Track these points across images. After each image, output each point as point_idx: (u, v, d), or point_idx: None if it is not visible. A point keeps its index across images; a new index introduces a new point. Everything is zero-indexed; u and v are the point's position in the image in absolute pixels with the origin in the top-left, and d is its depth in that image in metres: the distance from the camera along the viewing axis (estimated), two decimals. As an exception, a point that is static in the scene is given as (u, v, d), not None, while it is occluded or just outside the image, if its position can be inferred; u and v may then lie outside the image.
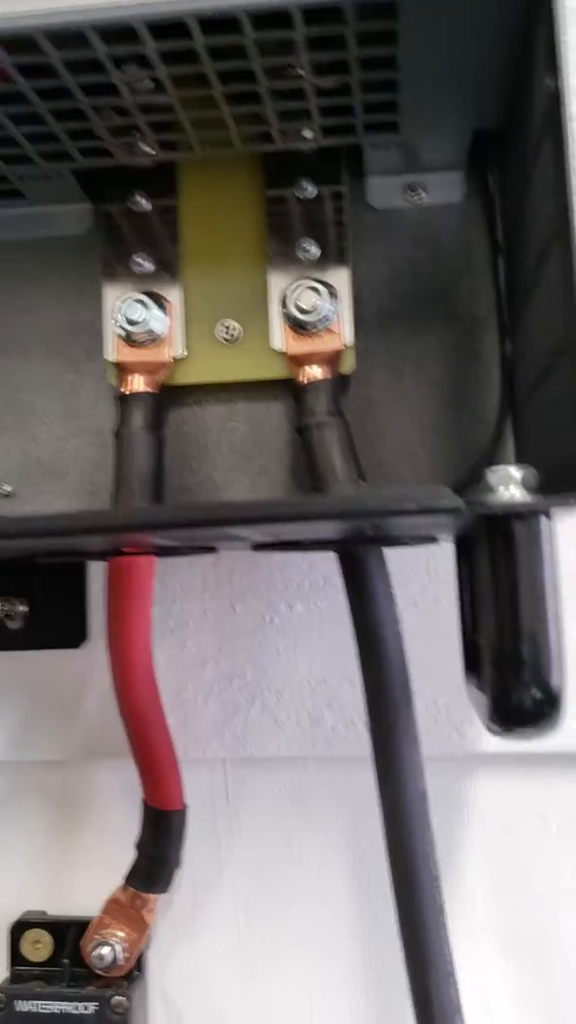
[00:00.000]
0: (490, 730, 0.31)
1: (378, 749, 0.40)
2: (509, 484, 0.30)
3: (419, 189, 0.44)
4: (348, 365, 0.43)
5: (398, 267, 0.44)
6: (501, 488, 0.30)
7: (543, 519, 0.29)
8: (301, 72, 0.35)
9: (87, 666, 0.49)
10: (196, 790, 0.49)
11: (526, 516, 0.29)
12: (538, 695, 0.30)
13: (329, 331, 0.43)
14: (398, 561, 0.43)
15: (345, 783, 0.49)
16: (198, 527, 0.30)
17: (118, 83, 0.35)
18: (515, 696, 0.30)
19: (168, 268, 0.44)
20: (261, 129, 0.40)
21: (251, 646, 0.49)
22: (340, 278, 0.43)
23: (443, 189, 0.44)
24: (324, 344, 0.43)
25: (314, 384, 0.42)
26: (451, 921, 0.47)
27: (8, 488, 0.45)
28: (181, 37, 0.33)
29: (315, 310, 0.42)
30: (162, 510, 0.37)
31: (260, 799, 0.50)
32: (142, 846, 0.47)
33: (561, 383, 0.32)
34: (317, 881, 0.49)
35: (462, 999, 0.44)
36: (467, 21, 0.33)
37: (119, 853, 0.47)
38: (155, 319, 0.43)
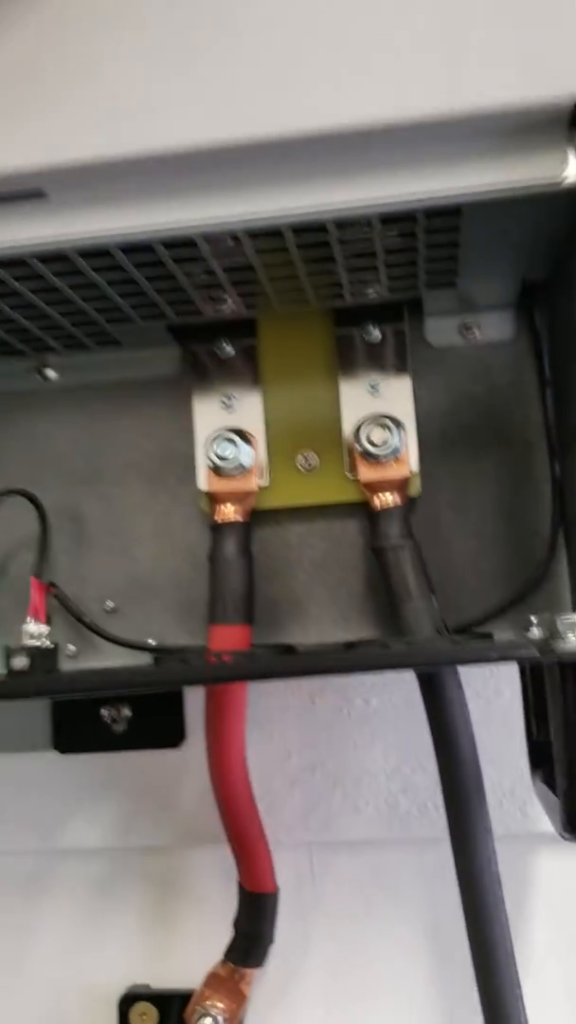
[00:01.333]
0: (564, 837, 0.35)
1: (456, 839, 0.45)
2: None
3: (473, 328, 0.49)
4: (415, 488, 0.48)
5: (456, 398, 0.49)
6: (571, 636, 0.35)
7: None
8: (375, 253, 0.41)
9: (184, 762, 0.54)
10: (284, 871, 0.54)
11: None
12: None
13: (397, 460, 0.48)
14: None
15: (420, 861, 0.54)
16: (266, 678, 0.35)
17: (208, 257, 0.40)
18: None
19: (251, 405, 0.49)
20: (334, 291, 0.45)
21: (330, 738, 0.54)
22: (405, 411, 0.48)
23: (495, 328, 0.49)
24: (393, 472, 0.48)
25: (387, 510, 0.47)
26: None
27: (111, 604, 0.50)
28: (274, 236, 0.39)
29: (385, 444, 0.47)
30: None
31: (342, 879, 0.55)
32: (239, 925, 0.51)
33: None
34: (397, 952, 0.54)
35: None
36: (524, 213, 0.38)
37: (216, 929, 0.52)
38: (243, 454, 0.48)
